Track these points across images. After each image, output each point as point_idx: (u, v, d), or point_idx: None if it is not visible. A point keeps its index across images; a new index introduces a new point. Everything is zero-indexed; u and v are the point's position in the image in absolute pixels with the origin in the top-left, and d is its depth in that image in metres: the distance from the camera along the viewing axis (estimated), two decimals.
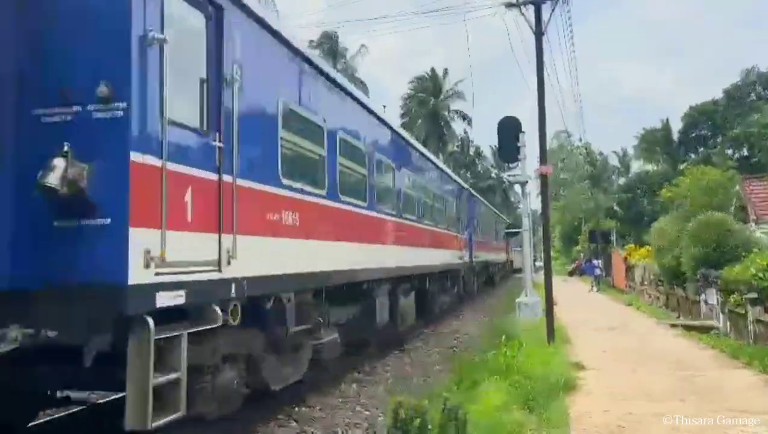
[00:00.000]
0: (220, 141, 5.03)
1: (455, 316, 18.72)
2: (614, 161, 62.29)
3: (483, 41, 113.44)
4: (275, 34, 6.22)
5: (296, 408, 7.51)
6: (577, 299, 25.24)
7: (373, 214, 9.45)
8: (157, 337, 4.20)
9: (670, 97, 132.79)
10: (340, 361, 9.00)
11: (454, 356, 11.33)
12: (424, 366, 10.63)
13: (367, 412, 7.48)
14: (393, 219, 10.57)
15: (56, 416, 6.81)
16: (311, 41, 38.78)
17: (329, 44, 40.45)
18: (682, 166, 44.48)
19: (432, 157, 15.97)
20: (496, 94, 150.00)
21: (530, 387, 7.32)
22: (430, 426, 4.89)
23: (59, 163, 3.99)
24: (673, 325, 15.87)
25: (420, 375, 9.78)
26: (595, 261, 36.00)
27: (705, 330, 14.71)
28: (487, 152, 63.81)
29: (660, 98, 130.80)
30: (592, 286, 32.59)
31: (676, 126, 52.93)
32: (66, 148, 4.06)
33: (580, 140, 42.75)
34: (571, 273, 50.76)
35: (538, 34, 12.95)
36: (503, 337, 9.82)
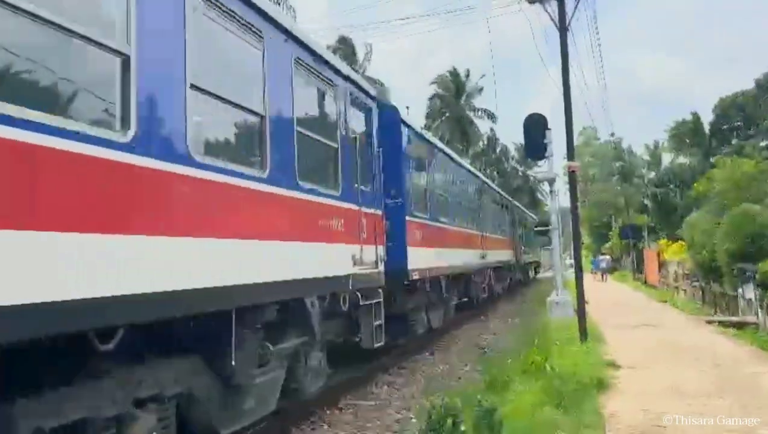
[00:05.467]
0: None
1: (481, 318, 18.60)
2: (642, 153, 61.20)
3: (496, 42, 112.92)
4: None
5: (328, 411, 7.55)
6: (609, 297, 24.86)
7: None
8: None
9: (694, 85, 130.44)
10: (371, 363, 9.04)
11: (484, 357, 11.26)
12: (455, 367, 10.59)
13: (398, 414, 7.48)
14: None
15: None
16: (328, 46, 38.97)
17: (345, 49, 40.57)
18: (714, 159, 43.51)
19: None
20: (512, 94, 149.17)
21: (564, 387, 7.23)
22: (463, 428, 4.87)
23: None
24: (710, 322, 15.53)
25: (451, 376, 9.74)
26: (600, 257, 44.60)
27: (743, 326, 14.36)
28: (513, 149, 63.27)
29: (683, 88, 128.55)
30: (597, 276, 38.65)
31: (705, 117, 51.82)
32: None
33: (612, 135, 41.91)
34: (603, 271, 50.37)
35: (562, 29, 12.79)
36: (535, 338, 9.73)
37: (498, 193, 25.08)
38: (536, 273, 42.60)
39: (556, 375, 7.78)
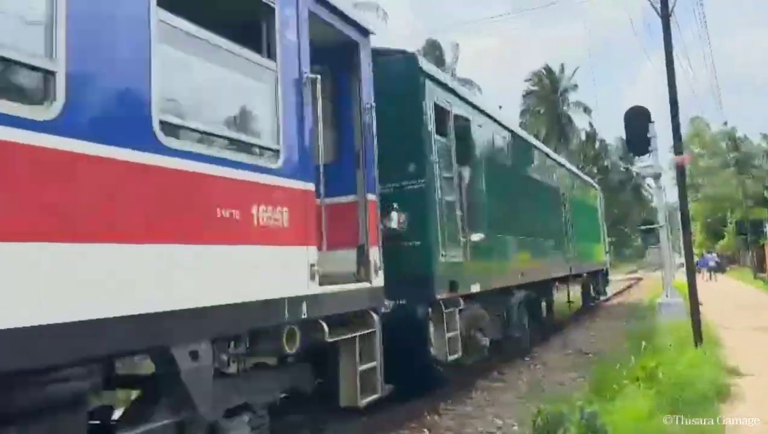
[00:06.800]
0: None
1: (583, 321, 17.89)
2: (759, 141, 56.52)
3: (588, 34, 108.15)
4: None
5: (428, 416, 7.51)
6: (725, 297, 23.15)
7: None
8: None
9: None
10: (468, 367, 8.96)
11: (588, 362, 10.80)
12: (557, 372, 10.23)
13: (499, 421, 7.30)
14: None
15: None
16: (418, 50, 39.24)
17: (433, 53, 40.63)
18: None
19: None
20: (605, 86, 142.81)
21: (678, 395, 6.76)
22: None
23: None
24: None
25: (553, 382, 9.41)
26: (708, 255, 42.00)
27: None
28: (613, 143, 60.50)
29: None
30: (705, 276, 35.73)
31: None
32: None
33: (725, 124, 38.86)
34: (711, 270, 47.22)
35: (665, 16, 12.06)
36: (644, 342, 9.19)
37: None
38: (598, 294, 21.62)
39: (670, 381, 7.29)
